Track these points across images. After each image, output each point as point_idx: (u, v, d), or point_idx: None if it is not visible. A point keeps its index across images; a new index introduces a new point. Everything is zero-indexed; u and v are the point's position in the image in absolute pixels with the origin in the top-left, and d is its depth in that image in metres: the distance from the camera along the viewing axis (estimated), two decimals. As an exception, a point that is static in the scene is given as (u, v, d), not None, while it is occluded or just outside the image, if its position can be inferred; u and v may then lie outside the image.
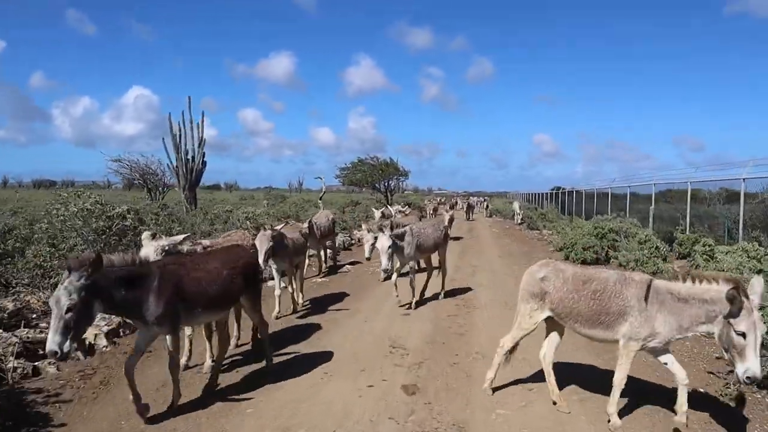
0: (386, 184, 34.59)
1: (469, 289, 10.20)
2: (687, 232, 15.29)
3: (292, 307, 8.20)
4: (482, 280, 11.31)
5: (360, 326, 7.62)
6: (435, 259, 9.66)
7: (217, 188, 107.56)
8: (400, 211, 15.55)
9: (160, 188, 31.43)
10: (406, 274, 8.73)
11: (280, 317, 7.96)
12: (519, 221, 27.19)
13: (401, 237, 8.11)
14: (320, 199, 16.17)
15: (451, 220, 18.51)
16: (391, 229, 8.00)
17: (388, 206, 22.60)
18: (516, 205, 29.28)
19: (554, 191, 40.30)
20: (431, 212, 24.85)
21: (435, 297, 9.32)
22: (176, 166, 25.35)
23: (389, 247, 7.70)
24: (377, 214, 13.74)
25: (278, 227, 7.70)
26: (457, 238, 18.74)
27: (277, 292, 8.04)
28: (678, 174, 17.76)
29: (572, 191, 29.95)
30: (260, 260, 7.17)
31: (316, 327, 7.52)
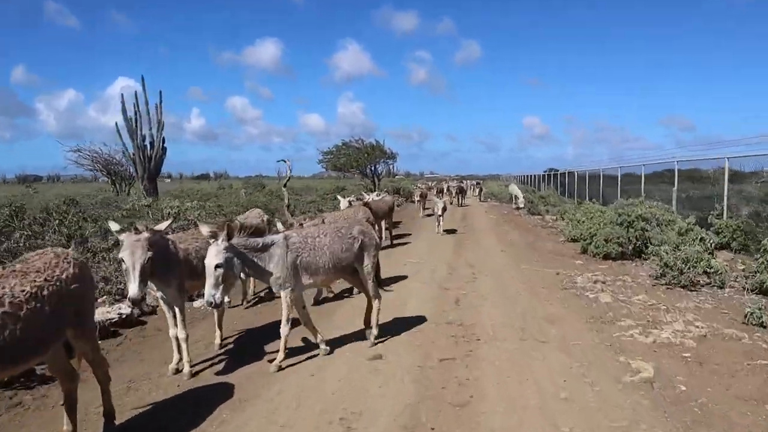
0: (373, 168, 31.46)
1: (468, 306, 7.29)
2: (724, 217, 12.54)
3: (176, 360, 5.11)
4: (484, 287, 8.40)
5: (302, 384, 4.70)
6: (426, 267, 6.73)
7: (206, 178, 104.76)
8: (358, 199, 11.95)
9: (126, 180, 28.30)
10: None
11: (181, 371, 5.03)
12: (520, 206, 24.23)
13: (261, 249, 4.88)
14: (284, 186, 13.06)
15: (443, 210, 15.36)
16: (229, 236, 4.56)
17: (367, 192, 19.55)
18: (515, 188, 26.15)
19: (550, 173, 37.53)
20: (418, 199, 21.75)
21: (387, 331, 6.37)
22: (132, 154, 22.26)
23: (218, 266, 4.48)
24: (343, 203, 10.70)
25: (161, 226, 4.74)
26: (450, 231, 15.74)
27: (171, 332, 5.08)
28: (709, 150, 14.86)
29: (573, 172, 27.05)
30: (133, 286, 4.28)
31: (229, 391, 4.58)
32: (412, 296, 7.82)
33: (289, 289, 5.01)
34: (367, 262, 5.60)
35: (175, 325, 5.00)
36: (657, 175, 17.98)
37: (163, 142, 22.36)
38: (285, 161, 12.88)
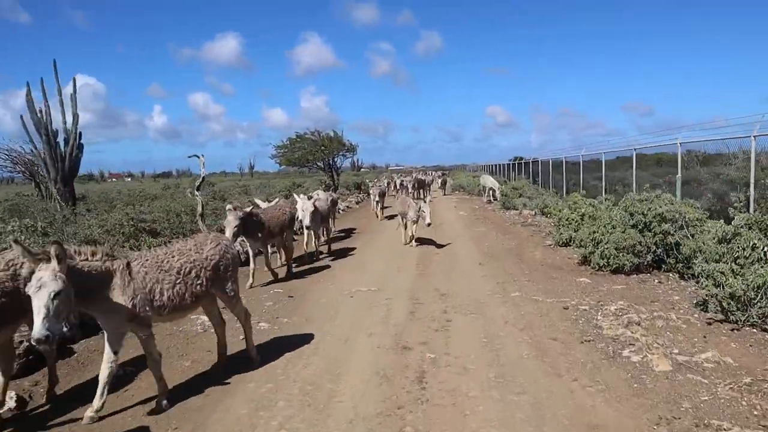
0: (331, 161, 28.05)
1: (440, 392, 4.15)
2: (751, 210, 9.83)
3: None
4: (464, 343, 5.32)
5: None
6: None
7: (169, 175, 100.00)
8: (235, 208, 7.13)
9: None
10: None
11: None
12: (493, 199, 21.39)
13: None
14: (197, 189, 9.63)
15: (415, 219, 10.89)
16: None
17: (323, 189, 16.20)
18: (488, 180, 22.93)
19: (518, 161, 34.94)
20: (376, 199, 16.98)
21: None
22: (42, 152, 18.43)
23: None
24: (229, 216, 7.00)
25: None
26: (424, 242, 12.46)
27: None
28: (721, 129, 12.04)
29: (547, 161, 24.28)
30: None
31: None
32: (350, 369, 4.67)
33: None
34: None
35: None
36: (621, 160, 15.90)
37: (79, 138, 18.56)
38: (198, 157, 9.50)
